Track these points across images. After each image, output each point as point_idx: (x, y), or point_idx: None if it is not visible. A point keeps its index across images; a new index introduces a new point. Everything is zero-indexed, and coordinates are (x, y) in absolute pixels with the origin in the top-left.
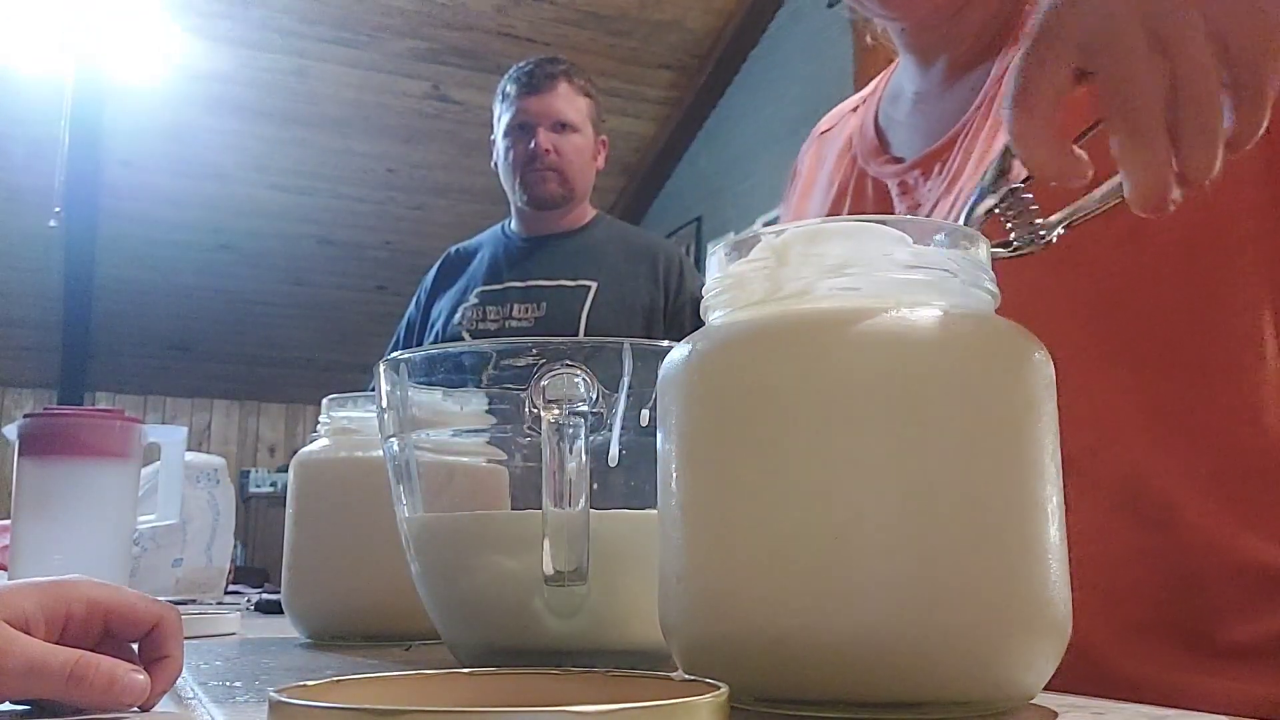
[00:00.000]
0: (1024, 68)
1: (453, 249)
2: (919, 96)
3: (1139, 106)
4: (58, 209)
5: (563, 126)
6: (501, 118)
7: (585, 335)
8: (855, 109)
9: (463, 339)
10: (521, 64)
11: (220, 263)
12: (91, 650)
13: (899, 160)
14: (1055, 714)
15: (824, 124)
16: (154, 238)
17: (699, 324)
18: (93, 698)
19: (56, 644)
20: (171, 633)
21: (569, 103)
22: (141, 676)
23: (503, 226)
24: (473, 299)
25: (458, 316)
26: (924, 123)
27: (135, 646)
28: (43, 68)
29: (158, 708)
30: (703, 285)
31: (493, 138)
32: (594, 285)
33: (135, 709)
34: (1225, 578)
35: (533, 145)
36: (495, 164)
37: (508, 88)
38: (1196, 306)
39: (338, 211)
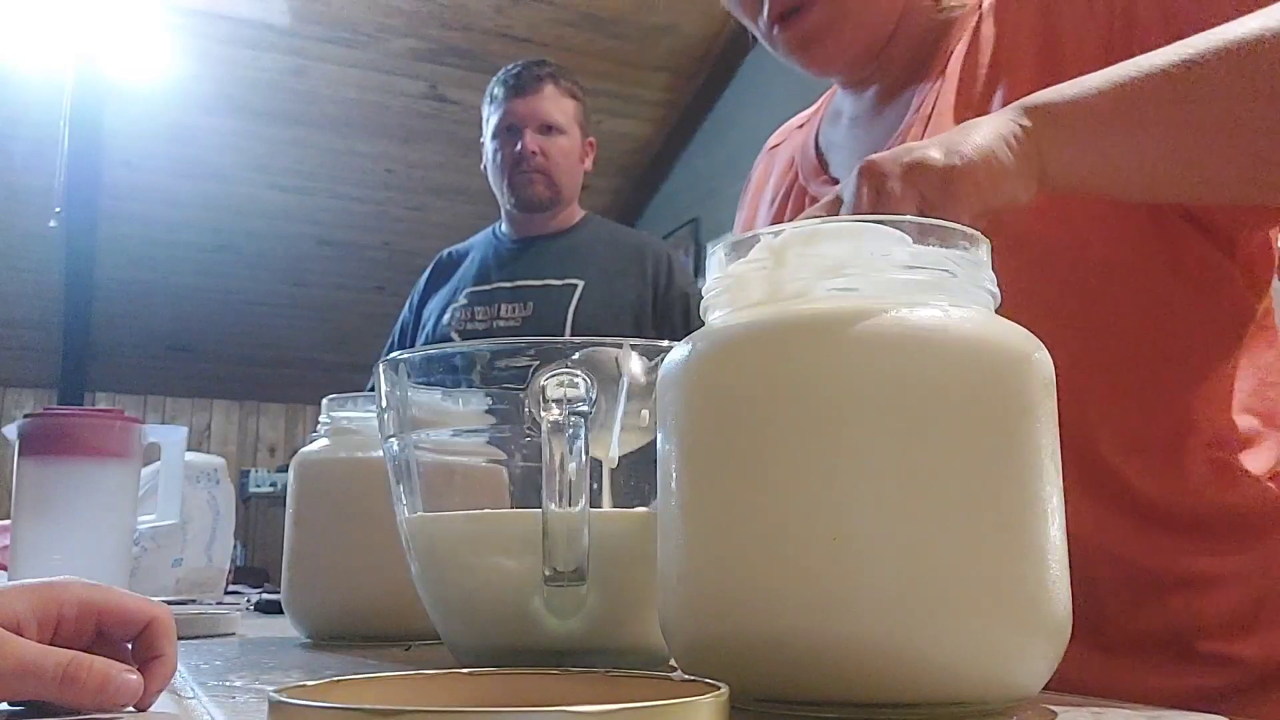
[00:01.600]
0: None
1: (444, 252)
2: (854, 120)
3: None
4: (58, 209)
5: (549, 128)
6: (489, 120)
7: (573, 334)
8: (801, 125)
9: (451, 340)
10: (509, 66)
11: (220, 263)
12: (85, 651)
13: (835, 181)
14: (1055, 714)
15: (774, 139)
16: (154, 238)
17: (689, 320)
18: (86, 698)
19: (49, 645)
20: (164, 632)
21: (555, 104)
22: (134, 676)
23: (494, 229)
24: (461, 300)
25: (447, 317)
26: (858, 145)
27: (130, 646)
28: (42, 68)
29: (155, 707)
30: (693, 283)
31: (482, 140)
32: (580, 284)
33: (131, 709)
34: (1114, 578)
35: (519, 147)
36: (485, 166)
37: (495, 90)
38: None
39: (337, 212)
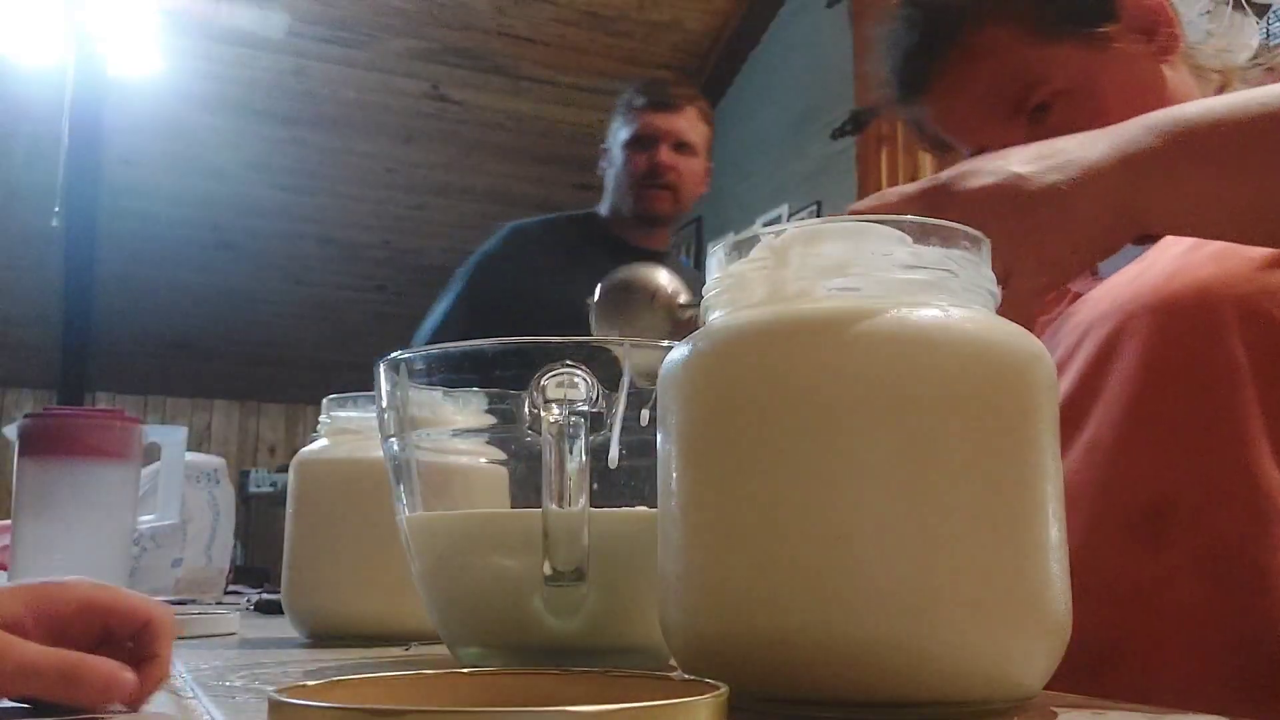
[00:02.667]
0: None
1: (517, 224)
2: None
3: None
4: (58, 208)
5: (684, 147)
6: (622, 129)
7: None
8: None
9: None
10: (650, 79)
11: (220, 262)
12: (91, 650)
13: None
14: (1055, 714)
15: None
16: (154, 237)
17: None
18: (87, 697)
19: (51, 644)
20: (161, 632)
21: (693, 126)
22: (130, 675)
23: (586, 224)
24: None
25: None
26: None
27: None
28: (42, 66)
29: (154, 707)
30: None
31: (605, 145)
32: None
33: (124, 708)
34: None
35: (654, 160)
36: (604, 171)
37: (634, 100)
38: None
39: (337, 211)
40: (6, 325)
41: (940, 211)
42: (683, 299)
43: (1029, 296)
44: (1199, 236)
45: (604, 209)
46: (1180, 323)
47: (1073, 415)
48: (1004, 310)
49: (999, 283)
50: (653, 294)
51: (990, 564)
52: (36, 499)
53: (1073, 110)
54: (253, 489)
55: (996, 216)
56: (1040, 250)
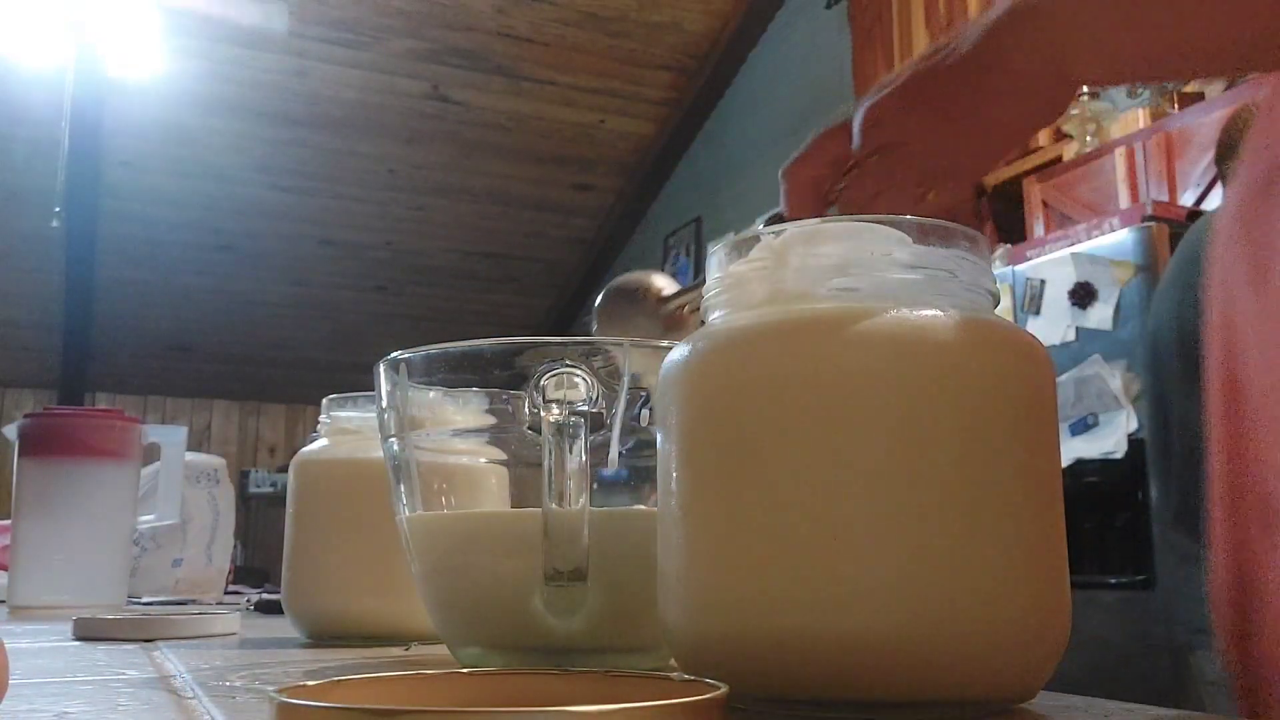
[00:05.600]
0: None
1: None
2: None
3: None
4: (58, 210)
5: None
6: None
7: None
8: None
9: None
10: None
11: (221, 263)
12: None
13: None
14: (1055, 714)
15: None
16: (154, 238)
17: None
18: None
19: None
20: None
21: None
22: None
23: None
24: None
25: None
26: None
27: None
28: (43, 69)
29: (153, 706)
30: None
31: None
32: None
33: None
34: None
35: None
36: None
37: None
38: None
39: (338, 212)
40: (7, 326)
41: (873, 139)
42: (666, 293)
43: (966, 191)
44: (1140, 78)
45: None
46: None
47: None
48: (935, 211)
49: (924, 186)
50: (644, 292)
51: (990, 564)
52: (36, 499)
53: None
54: (253, 489)
55: (923, 102)
56: (985, 128)
